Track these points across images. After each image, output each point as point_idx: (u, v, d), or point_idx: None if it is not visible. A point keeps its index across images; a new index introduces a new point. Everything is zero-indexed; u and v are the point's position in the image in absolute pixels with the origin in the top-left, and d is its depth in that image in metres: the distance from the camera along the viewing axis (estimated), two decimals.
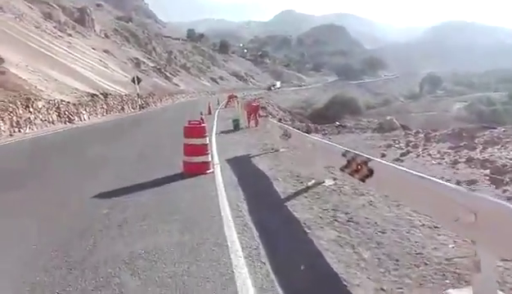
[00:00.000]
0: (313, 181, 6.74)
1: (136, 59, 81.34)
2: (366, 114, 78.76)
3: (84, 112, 25.75)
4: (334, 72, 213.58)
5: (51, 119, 21.19)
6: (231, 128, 16.74)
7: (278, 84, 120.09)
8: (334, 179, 6.82)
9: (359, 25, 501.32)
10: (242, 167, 8.30)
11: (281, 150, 10.31)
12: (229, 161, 9.03)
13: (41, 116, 20.21)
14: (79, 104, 25.87)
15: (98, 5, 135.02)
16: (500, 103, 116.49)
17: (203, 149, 7.67)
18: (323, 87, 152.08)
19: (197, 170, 7.54)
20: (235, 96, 40.70)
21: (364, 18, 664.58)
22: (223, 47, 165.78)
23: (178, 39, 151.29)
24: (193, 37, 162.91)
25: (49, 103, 21.58)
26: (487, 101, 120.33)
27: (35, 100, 20.30)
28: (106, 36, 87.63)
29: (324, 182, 6.67)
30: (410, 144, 9.89)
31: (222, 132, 15.68)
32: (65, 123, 22.57)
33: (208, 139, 7.87)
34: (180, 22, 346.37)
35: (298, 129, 13.82)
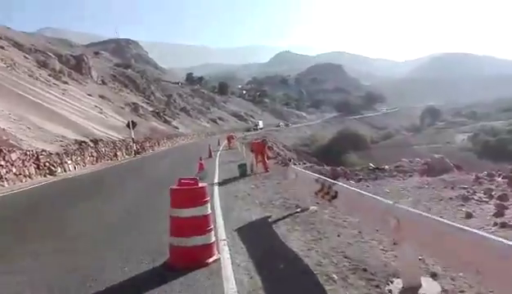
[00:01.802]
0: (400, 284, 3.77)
1: (134, 104, 79.69)
2: (371, 149, 76.19)
3: (70, 161, 22.93)
4: (334, 108, 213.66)
5: (27, 172, 18.32)
6: (236, 174, 13.85)
7: (261, 124, 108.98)
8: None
9: (355, 62, 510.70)
10: (263, 247, 5.33)
11: (312, 209, 7.37)
12: (241, 232, 6.07)
13: (15, 169, 17.36)
14: (64, 153, 23.10)
15: (96, 53, 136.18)
16: (505, 132, 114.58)
17: (202, 225, 4.73)
18: (323, 123, 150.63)
19: (192, 259, 4.58)
20: (233, 137, 38.17)
21: (360, 55, 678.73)
22: (222, 89, 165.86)
23: (177, 83, 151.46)
24: (192, 80, 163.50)
25: (26, 154, 18.79)
26: (491, 131, 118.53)
27: (8, 151, 17.53)
28: (103, 82, 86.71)
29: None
30: (494, 195, 6.97)
31: (226, 181, 12.77)
32: (45, 176, 19.70)
33: (209, 206, 4.89)
34: (179, 68, 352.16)
35: (321, 174, 10.92)
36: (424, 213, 3.44)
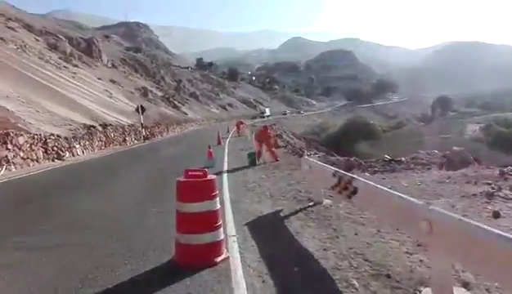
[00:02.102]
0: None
1: (144, 88, 79.53)
2: (382, 138, 75.26)
3: (78, 146, 22.77)
4: (344, 96, 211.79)
5: (35, 156, 18.17)
6: (246, 163, 13.48)
7: (268, 111, 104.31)
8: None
9: (367, 49, 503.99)
10: (275, 245, 4.98)
11: (325, 203, 6.99)
12: (251, 228, 5.73)
13: (22, 153, 17.21)
14: (73, 137, 22.93)
15: (107, 36, 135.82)
16: None
17: (211, 221, 4.38)
18: (333, 111, 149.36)
19: (200, 257, 4.26)
20: (243, 123, 37.68)
21: (371, 42, 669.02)
22: (232, 75, 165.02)
23: (187, 68, 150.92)
24: (202, 65, 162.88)
25: (34, 138, 18.62)
26: (505, 122, 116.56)
27: (16, 135, 17.36)
28: (114, 66, 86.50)
29: None
30: None
31: (235, 170, 12.43)
32: (53, 160, 19.55)
33: (218, 201, 4.54)
34: (189, 52, 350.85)
35: (334, 164, 10.54)
36: (462, 218, 3.04)
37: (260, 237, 5.26)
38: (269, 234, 5.43)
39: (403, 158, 10.35)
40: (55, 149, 20.06)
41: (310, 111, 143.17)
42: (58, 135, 21.11)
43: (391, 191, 4.15)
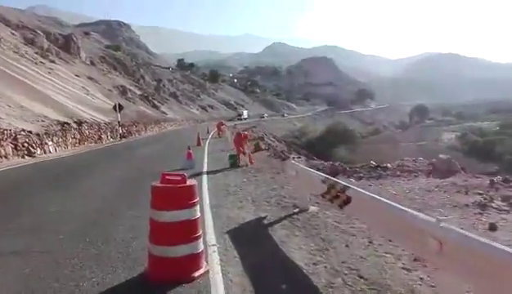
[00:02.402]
0: None
1: (123, 86, 77.94)
2: (360, 144, 75.94)
3: (50, 143, 21.78)
4: (324, 101, 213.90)
5: (3, 152, 17.18)
6: (227, 165, 13.00)
7: (245, 113, 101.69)
8: None
9: (347, 57, 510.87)
10: (259, 257, 4.52)
11: (312, 210, 6.59)
12: (233, 236, 5.26)
13: None
14: (45, 133, 21.93)
15: (86, 33, 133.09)
16: (492, 133, 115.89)
17: (189, 231, 3.90)
18: (314, 116, 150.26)
19: (176, 271, 3.77)
20: (223, 124, 37.14)
21: (352, 50, 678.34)
22: (213, 77, 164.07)
23: (168, 68, 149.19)
24: (183, 66, 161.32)
25: (3, 133, 17.64)
26: (479, 132, 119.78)
27: None
28: (92, 63, 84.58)
29: None
30: None
31: (215, 171, 11.93)
32: (23, 157, 18.59)
33: (198, 209, 4.05)
34: (171, 53, 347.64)
35: (318, 169, 10.18)
36: (479, 238, 2.66)
37: (243, 247, 4.80)
38: (253, 245, 4.97)
39: (389, 165, 10.07)
40: (25, 145, 19.08)
41: (292, 115, 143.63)
42: (29, 131, 20.11)
43: (391, 203, 3.76)
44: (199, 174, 11.39)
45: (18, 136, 18.62)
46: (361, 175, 9.58)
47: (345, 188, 4.52)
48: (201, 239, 4.05)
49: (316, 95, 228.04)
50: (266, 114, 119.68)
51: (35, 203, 7.60)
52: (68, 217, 6.40)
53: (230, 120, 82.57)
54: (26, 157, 18.90)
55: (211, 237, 5.12)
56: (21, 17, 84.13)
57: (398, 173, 9.44)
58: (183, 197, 3.93)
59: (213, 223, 5.88)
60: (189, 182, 4.07)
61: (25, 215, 6.63)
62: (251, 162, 13.24)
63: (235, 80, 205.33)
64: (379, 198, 3.96)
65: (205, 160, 14.92)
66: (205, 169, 12.62)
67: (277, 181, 9.60)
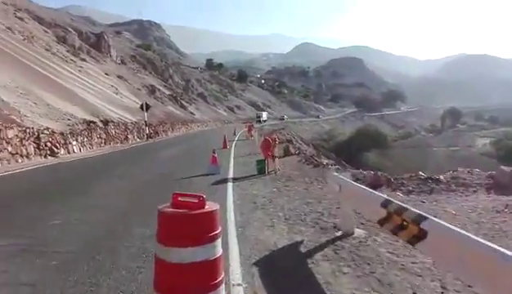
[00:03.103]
0: None
1: (152, 86, 78.42)
2: (391, 148, 73.46)
3: (75, 142, 21.38)
4: (353, 103, 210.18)
5: (25, 152, 16.76)
6: (254, 171, 11.97)
7: (264, 115, 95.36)
8: None
9: (376, 58, 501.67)
10: None
11: (358, 234, 5.45)
12: (262, 271, 4.18)
13: (10, 148, 15.81)
14: (70, 132, 21.54)
15: (118, 32, 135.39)
16: None
17: (207, 275, 2.85)
18: (342, 119, 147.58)
19: None
20: (253, 127, 36.13)
21: (382, 51, 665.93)
22: (241, 77, 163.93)
23: (197, 68, 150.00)
24: (212, 66, 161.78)
25: (25, 131, 17.22)
26: None
27: (5, 127, 15.97)
28: (123, 62, 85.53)
29: None
30: None
31: (242, 178, 10.92)
32: (46, 157, 18.16)
33: (220, 243, 2.98)
34: (200, 53, 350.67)
35: (357, 179, 8.99)
36: None
37: (277, 290, 3.72)
38: (289, 285, 3.88)
39: (442, 177, 8.76)
40: (48, 144, 18.67)
41: (324, 117, 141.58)
42: (53, 130, 19.70)
43: (494, 246, 2.59)
44: (223, 181, 10.41)
45: (41, 135, 18.20)
46: (410, 188, 8.32)
47: (419, 218, 3.35)
48: (223, 285, 2.99)
49: (344, 97, 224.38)
50: (286, 116, 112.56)
51: (39, 213, 6.75)
52: (68, 235, 5.49)
53: (244, 122, 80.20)
54: (49, 156, 18.48)
55: (236, 271, 4.07)
56: (54, 16, 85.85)
57: (453, 187, 8.12)
58: (200, 227, 2.88)
59: (239, 249, 4.82)
60: (209, 206, 3.00)
61: (20, 228, 5.77)
62: (274, 169, 12.15)
63: (263, 81, 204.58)
64: (474, 238, 2.80)
65: (231, 165, 13.93)
66: (231, 175, 11.63)
67: (312, 193, 8.46)
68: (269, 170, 11.95)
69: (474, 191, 7.94)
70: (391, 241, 5.10)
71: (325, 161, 17.17)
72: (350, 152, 55.15)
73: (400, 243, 4.96)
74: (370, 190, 4.53)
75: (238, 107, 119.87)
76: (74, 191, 9.06)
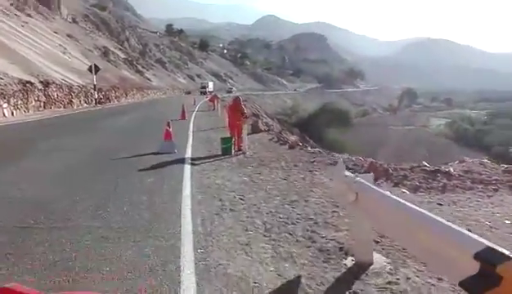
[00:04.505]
0: None
1: (105, 48, 73.00)
2: (351, 125, 73.31)
3: (6, 105, 18.25)
4: (315, 79, 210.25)
5: None
6: (217, 151, 9.91)
7: (211, 86, 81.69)
8: None
9: (338, 36, 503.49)
10: None
11: (378, 264, 3.57)
12: None
13: None
14: (1, 93, 18.34)
15: None
16: (481, 122, 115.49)
17: None
18: (304, 94, 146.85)
19: None
20: (217, 97, 33.57)
21: (344, 29, 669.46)
22: (203, 45, 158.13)
23: (155, 32, 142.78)
24: (171, 32, 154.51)
25: None
26: (468, 120, 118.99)
27: None
28: (74, 21, 78.99)
29: None
30: None
31: (202, 160, 8.81)
32: None
33: None
34: (159, 18, 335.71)
35: (348, 168, 7.14)
36: None
37: None
38: None
39: (451, 169, 7.10)
40: None
41: (279, 91, 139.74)
42: None
43: None
44: (179, 162, 8.28)
45: None
46: (416, 183, 6.57)
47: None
48: None
49: (307, 72, 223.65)
50: (234, 88, 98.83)
51: None
52: None
53: (187, 93, 73.77)
54: None
55: None
56: None
57: (469, 184, 6.46)
58: None
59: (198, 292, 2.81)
60: None
61: None
62: (240, 149, 10.11)
63: (225, 51, 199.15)
64: None
65: (190, 141, 11.71)
66: (189, 154, 9.48)
67: (294, 186, 6.52)
68: (235, 151, 9.90)
69: (495, 189, 6.32)
70: (425, 275, 3.30)
71: (292, 138, 15.27)
72: (312, 128, 53.99)
73: (446, 284, 3.17)
74: (430, 215, 2.60)
75: (199, 76, 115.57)
76: None
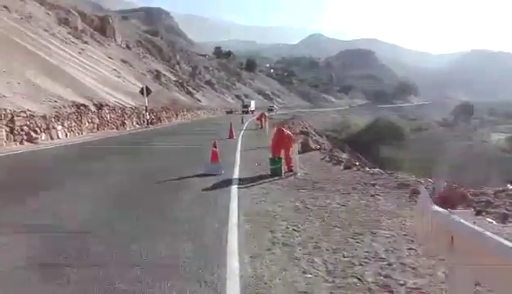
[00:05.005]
0: None
1: (157, 71, 75.65)
2: (406, 141, 69.99)
3: (60, 127, 18.74)
4: (363, 95, 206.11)
5: None
6: (266, 171, 9.22)
7: (253, 105, 78.40)
8: None
9: (387, 51, 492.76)
10: None
11: None
12: None
13: None
14: (55, 116, 18.90)
15: (124, 17, 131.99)
16: None
17: None
18: (353, 110, 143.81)
19: None
20: (265, 115, 33.09)
21: (392, 44, 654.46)
22: (250, 66, 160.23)
23: (204, 55, 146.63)
24: (220, 54, 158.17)
25: None
26: None
27: None
28: (128, 47, 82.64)
29: None
30: None
31: (250, 182, 8.12)
32: (22, 143, 15.54)
33: None
34: (208, 42, 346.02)
35: (414, 193, 6.21)
36: None
37: None
38: None
39: None
40: (25, 128, 16.02)
41: (329, 107, 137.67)
42: (32, 113, 17.04)
43: None
44: (225, 184, 7.66)
45: (15, 118, 15.52)
46: (505, 211, 5.48)
47: None
48: None
49: (355, 88, 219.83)
50: (276, 106, 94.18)
51: None
52: None
53: (228, 112, 71.52)
54: (26, 143, 15.87)
55: None
56: None
57: None
58: None
59: None
60: None
61: None
62: (290, 170, 9.33)
63: (272, 70, 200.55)
64: None
65: (237, 160, 11.14)
66: (236, 175, 8.86)
67: (356, 213, 5.63)
68: (285, 172, 9.14)
69: None
70: None
71: (345, 156, 14.26)
72: (364, 144, 52.01)
73: None
74: None
75: (246, 95, 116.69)
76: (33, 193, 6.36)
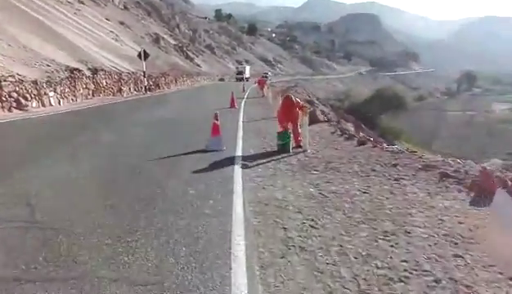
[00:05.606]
0: None
1: (156, 34, 73.47)
2: (407, 110, 68.91)
3: (52, 93, 17.74)
4: (366, 61, 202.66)
5: None
6: (272, 146, 8.42)
7: (247, 72, 69.35)
8: None
9: (390, 16, 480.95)
10: None
11: None
12: None
13: None
14: (47, 81, 17.87)
15: None
16: None
17: None
18: (355, 78, 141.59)
19: None
20: (266, 83, 31.94)
21: (396, 8, 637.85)
22: (251, 30, 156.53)
23: (205, 18, 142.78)
24: (221, 17, 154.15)
25: None
26: None
27: None
28: (126, 8, 79.88)
29: None
30: None
31: (255, 161, 7.30)
32: (10, 110, 14.63)
33: None
34: (207, 4, 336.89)
35: (444, 177, 5.42)
36: None
37: None
38: None
39: None
40: (14, 95, 15.06)
41: (329, 75, 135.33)
42: (21, 78, 16.03)
43: None
44: (227, 164, 6.85)
45: (3, 83, 14.54)
46: None
47: None
48: None
49: (357, 55, 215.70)
50: (269, 73, 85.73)
51: None
52: None
53: (220, 79, 68.34)
54: (15, 110, 14.97)
55: None
56: None
57: None
58: None
59: None
60: None
61: None
62: (299, 146, 8.50)
63: (274, 35, 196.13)
64: None
65: (240, 134, 10.28)
66: (239, 152, 8.03)
67: (381, 204, 4.84)
68: (293, 147, 8.33)
69: None
70: None
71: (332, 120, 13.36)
72: (367, 114, 51.13)
73: None
74: None
75: (247, 61, 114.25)
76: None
